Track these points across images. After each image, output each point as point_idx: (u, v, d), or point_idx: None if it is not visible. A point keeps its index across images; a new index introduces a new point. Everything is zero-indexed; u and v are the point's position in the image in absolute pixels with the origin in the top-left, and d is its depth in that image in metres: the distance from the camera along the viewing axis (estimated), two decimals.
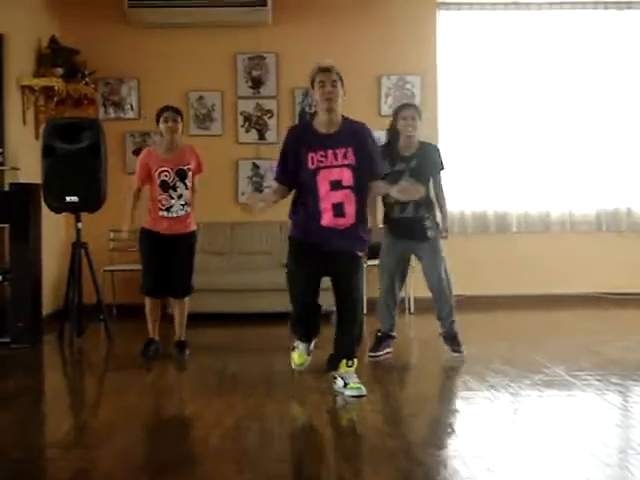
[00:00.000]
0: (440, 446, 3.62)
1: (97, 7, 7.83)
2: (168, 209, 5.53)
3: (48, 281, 6.79)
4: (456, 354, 5.50)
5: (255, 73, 8.10)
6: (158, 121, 5.56)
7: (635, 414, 4.22)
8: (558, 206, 8.19)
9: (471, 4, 8.15)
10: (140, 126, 7.92)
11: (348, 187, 4.40)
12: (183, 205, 5.55)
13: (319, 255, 4.46)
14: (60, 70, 7.30)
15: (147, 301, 5.70)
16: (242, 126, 8.08)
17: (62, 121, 6.36)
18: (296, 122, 7.72)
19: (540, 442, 3.64)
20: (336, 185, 4.39)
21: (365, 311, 5.09)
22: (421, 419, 4.13)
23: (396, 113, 5.48)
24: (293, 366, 4.94)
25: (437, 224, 5.51)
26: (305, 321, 4.74)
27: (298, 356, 4.91)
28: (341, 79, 4.41)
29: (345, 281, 4.53)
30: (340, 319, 4.61)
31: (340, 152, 4.39)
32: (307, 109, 7.88)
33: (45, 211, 6.30)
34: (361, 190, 4.47)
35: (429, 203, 5.47)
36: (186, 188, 5.55)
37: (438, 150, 5.55)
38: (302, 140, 4.46)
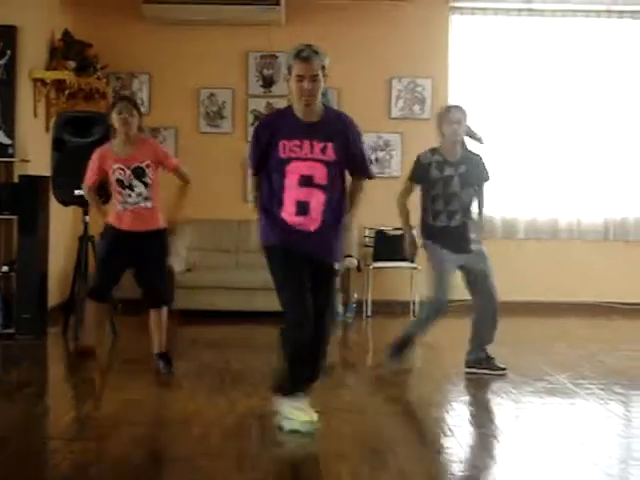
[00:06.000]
0: (440, 450, 3.62)
1: (111, 1, 7.85)
2: (126, 202, 4.99)
3: (54, 274, 6.81)
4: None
5: (266, 72, 8.11)
6: (111, 112, 5.04)
7: (637, 424, 4.22)
8: (566, 213, 8.17)
9: (485, 9, 8.13)
10: (150, 121, 7.91)
11: (319, 186, 3.80)
12: (145, 199, 4.98)
13: (304, 259, 3.84)
14: (72, 63, 7.30)
15: (88, 305, 5.18)
16: (252, 124, 8.06)
17: (73, 114, 6.38)
18: None
19: (541, 450, 3.64)
20: (306, 181, 3.80)
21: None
22: (422, 423, 4.13)
23: (442, 116, 5.17)
24: (302, 428, 3.82)
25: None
26: (305, 354, 3.82)
27: (305, 413, 3.85)
28: (324, 67, 3.76)
29: (321, 296, 3.87)
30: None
31: (318, 145, 3.79)
32: None
33: (53, 204, 6.32)
34: (335, 190, 3.86)
35: (470, 212, 5.22)
36: (146, 186, 4.97)
37: (483, 161, 5.29)
38: (276, 126, 3.90)
